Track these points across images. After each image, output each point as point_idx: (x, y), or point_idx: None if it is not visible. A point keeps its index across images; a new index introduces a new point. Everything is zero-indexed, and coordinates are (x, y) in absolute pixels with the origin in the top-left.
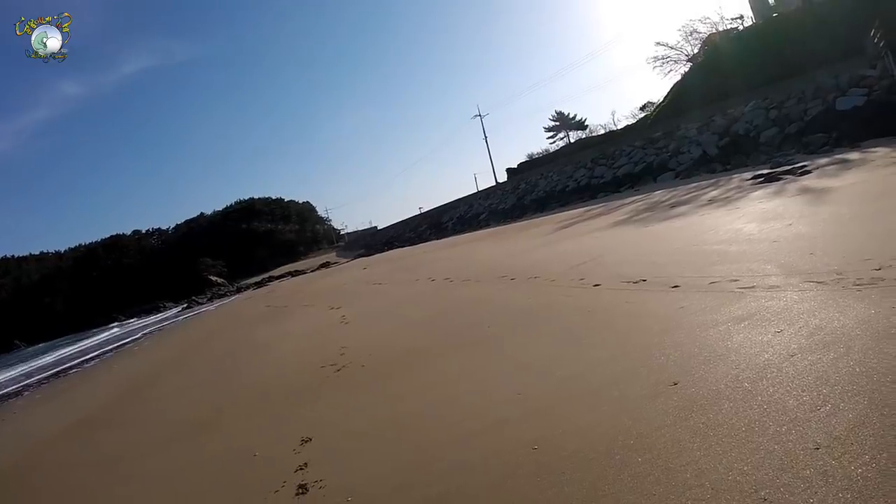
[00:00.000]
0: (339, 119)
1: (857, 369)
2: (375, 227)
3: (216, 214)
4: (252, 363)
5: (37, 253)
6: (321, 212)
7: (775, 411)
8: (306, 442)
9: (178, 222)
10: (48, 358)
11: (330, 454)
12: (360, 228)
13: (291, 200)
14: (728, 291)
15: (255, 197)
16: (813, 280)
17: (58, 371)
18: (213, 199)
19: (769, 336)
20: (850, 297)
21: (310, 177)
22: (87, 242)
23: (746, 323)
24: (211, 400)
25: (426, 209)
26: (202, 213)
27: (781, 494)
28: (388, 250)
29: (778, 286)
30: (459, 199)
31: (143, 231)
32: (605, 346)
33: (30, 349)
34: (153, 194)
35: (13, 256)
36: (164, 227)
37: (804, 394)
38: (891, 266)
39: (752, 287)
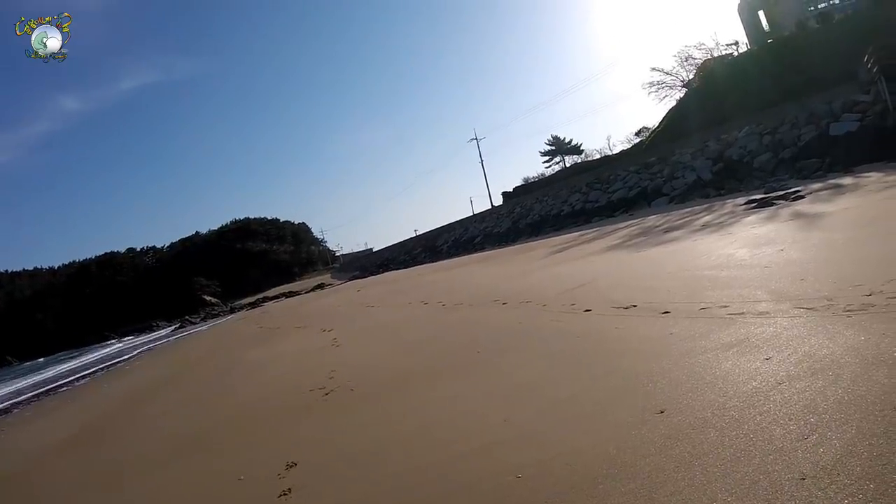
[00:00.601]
0: (336, 140)
1: (846, 397)
2: (371, 248)
3: (211, 234)
4: (242, 384)
5: (30, 268)
6: (316, 233)
7: (762, 440)
8: (291, 467)
9: (174, 240)
10: (40, 376)
11: (314, 479)
12: (355, 250)
13: (287, 221)
14: (718, 317)
15: (251, 217)
16: (803, 306)
17: (49, 388)
18: (209, 218)
19: (758, 363)
20: (840, 323)
21: (306, 197)
22: (81, 259)
23: (735, 350)
24: (199, 420)
25: (421, 231)
26: (197, 232)
27: None
28: (383, 272)
29: (768, 312)
30: (455, 222)
31: (138, 249)
32: (592, 372)
33: (22, 365)
34: (149, 211)
35: (6, 271)
36: (158, 246)
37: (791, 423)
38: (881, 292)
39: (742, 313)
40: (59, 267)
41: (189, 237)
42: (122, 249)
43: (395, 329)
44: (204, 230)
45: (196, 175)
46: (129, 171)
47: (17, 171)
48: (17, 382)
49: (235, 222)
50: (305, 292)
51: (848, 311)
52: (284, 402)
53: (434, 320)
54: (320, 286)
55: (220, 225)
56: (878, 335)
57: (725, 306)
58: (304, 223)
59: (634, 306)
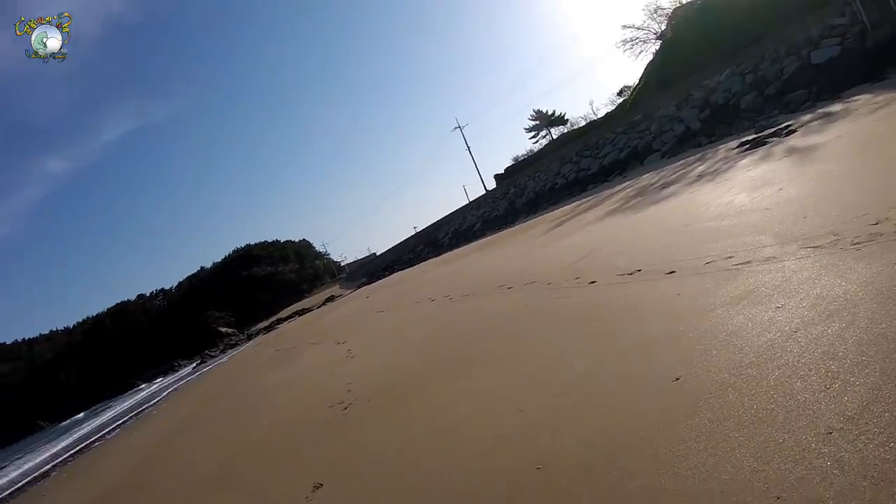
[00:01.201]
0: (321, 153)
1: (866, 338)
2: (374, 253)
3: (216, 266)
4: (263, 410)
5: (46, 332)
6: (318, 247)
7: (783, 396)
8: (318, 488)
9: (181, 279)
10: (69, 439)
11: (340, 498)
12: (359, 257)
13: (288, 241)
14: (724, 270)
15: (252, 243)
16: (809, 245)
17: (84, 446)
18: (212, 251)
19: (770, 313)
20: (850, 258)
21: (302, 214)
22: (94, 314)
23: (745, 302)
24: (224, 455)
25: (421, 228)
26: (202, 267)
27: (796, 490)
28: (388, 275)
29: (774, 257)
30: (452, 213)
31: (148, 294)
32: (603, 348)
33: (53, 428)
34: (151, 255)
35: (24, 340)
36: (166, 287)
37: (811, 373)
38: (888, 219)
39: (748, 262)
40: (74, 326)
41: (195, 274)
42: (133, 297)
43: (406, 331)
44: (208, 264)
45: (194, 210)
46: (128, 219)
47: (19, 239)
48: (55, 445)
49: (237, 251)
50: (317, 307)
51: (856, 244)
52: (305, 422)
53: (442, 316)
54: (330, 299)
55: (223, 256)
56: (891, 265)
57: (730, 257)
58: (304, 240)
59: (639, 271)
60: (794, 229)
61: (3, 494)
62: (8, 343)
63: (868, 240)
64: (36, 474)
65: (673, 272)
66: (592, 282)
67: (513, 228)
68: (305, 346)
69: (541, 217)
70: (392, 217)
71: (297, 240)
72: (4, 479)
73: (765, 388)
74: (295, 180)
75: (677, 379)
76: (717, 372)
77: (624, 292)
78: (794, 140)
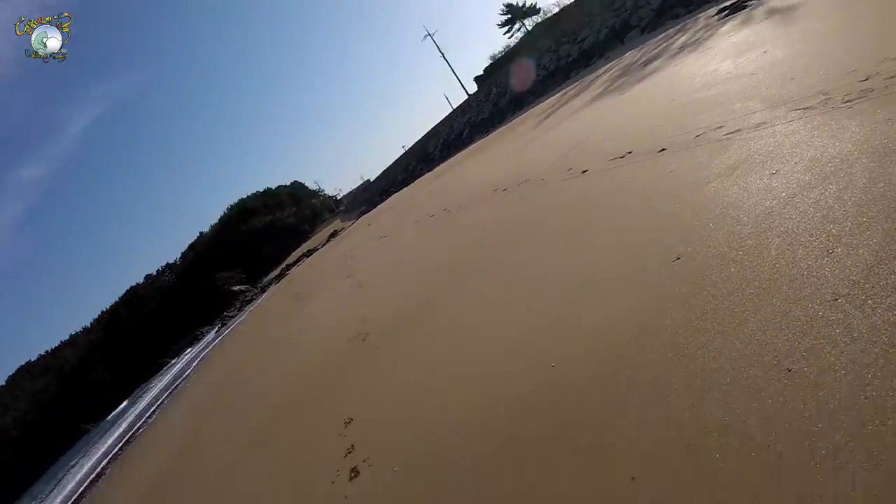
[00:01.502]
0: (300, 93)
1: (865, 198)
2: (368, 180)
3: (213, 229)
4: (287, 361)
5: (66, 338)
6: (311, 186)
7: (786, 265)
8: (349, 423)
9: (183, 250)
10: (114, 434)
11: (371, 429)
12: (354, 187)
13: (280, 186)
14: (715, 141)
15: (244, 197)
16: (799, 108)
17: (128, 438)
18: (208, 215)
19: (765, 180)
20: (842, 117)
21: (289, 159)
22: (108, 306)
23: (739, 172)
24: (259, 413)
25: (409, 145)
26: (201, 233)
27: (805, 360)
28: (385, 199)
29: (764, 122)
30: (439, 124)
31: (155, 272)
32: (602, 240)
33: (98, 427)
34: (150, 234)
35: (47, 352)
36: (171, 261)
37: (813, 238)
38: (878, 74)
39: (738, 130)
40: (91, 324)
41: (196, 241)
42: (141, 279)
43: (410, 253)
44: (206, 228)
45: (178, 179)
46: (115, 205)
47: (11, 256)
48: (103, 444)
49: (231, 208)
50: (322, 245)
51: (847, 101)
52: (328, 361)
53: (443, 231)
54: (333, 234)
55: (219, 217)
56: (884, 122)
57: (720, 127)
58: (296, 181)
59: (630, 153)
60: (783, 92)
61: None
62: (34, 360)
63: (859, 97)
64: (92, 476)
65: (664, 150)
66: (585, 171)
67: (501, 129)
68: (317, 287)
69: (528, 112)
70: (380, 142)
71: (288, 183)
72: (64, 492)
73: (767, 258)
74: (275, 126)
75: (677, 259)
76: (716, 247)
77: (617, 177)
78: (774, 1)
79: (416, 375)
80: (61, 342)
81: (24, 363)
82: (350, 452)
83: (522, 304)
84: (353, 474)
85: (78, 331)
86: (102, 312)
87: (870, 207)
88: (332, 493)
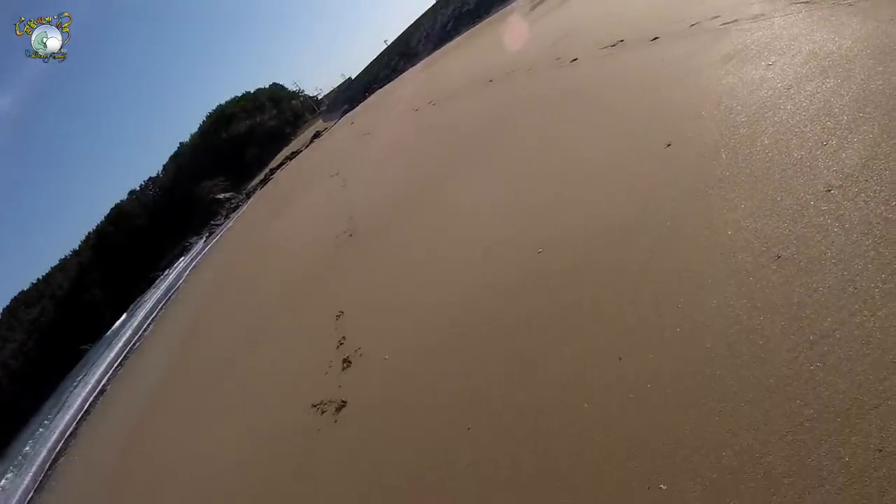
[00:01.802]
0: None
1: (862, 94)
2: (349, 77)
3: (194, 138)
4: (276, 262)
5: (56, 263)
6: (291, 87)
7: (779, 154)
8: (339, 316)
9: (164, 162)
10: (113, 351)
11: (361, 320)
12: (336, 86)
13: (259, 89)
14: (710, 31)
15: (222, 103)
16: (800, 1)
17: (126, 353)
18: (187, 124)
19: (761, 71)
20: (843, 13)
21: (267, 60)
22: (94, 227)
23: (735, 61)
24: (255, 314)
25: (391, 40)
26: (181, 143)
27: (796, 248)
28: (368, 96)
29: (762, 14)
30: (422, 16)
31: (138, 188)
32: (592, 128)
33: (96, 346)
34: (130, 150)
35: (39, 279)
36: (154, 175)
37: (807, 129)
38: None
39: (735, 21)
40: (79, 246)
41: (177, 152)
42: (125, 196)
43: (394, 148)
44: (185, 138)
45: (155, 88)
46: (91, 123)
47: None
48: (103, 361)
49: (210, 115)
50: (305, 147)
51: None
52: (317, 259)
53: (429, 124)
54: (316, 135)
55: (198, 125)
56: (887, 21)
57: (716, 17)
58: (274, 83)
59: (622, 41)
60: None
61: (78, 417)
62: (26, 289)
63: None
64: (95, 393)
65: (657, 38)
66: (574, 59)
67: (488, 20)
68: (302, 188)
69: (517, 2)
70: (361, 39)
71: (267, 86)
72: (71, 411)
73: (759, 147)
74: (251, 25)
75: (668, 145)
76: (708, 134)
77: (608, 65)
78: None
79: (403, 267)
80: (51, 268)
81: (16, 294)
82: (342, 344)
83: (510, 192)
84: (345, 364)
85: (67, 254)
86: (89, 233)
87: (867, 103)
88: (326, 384)
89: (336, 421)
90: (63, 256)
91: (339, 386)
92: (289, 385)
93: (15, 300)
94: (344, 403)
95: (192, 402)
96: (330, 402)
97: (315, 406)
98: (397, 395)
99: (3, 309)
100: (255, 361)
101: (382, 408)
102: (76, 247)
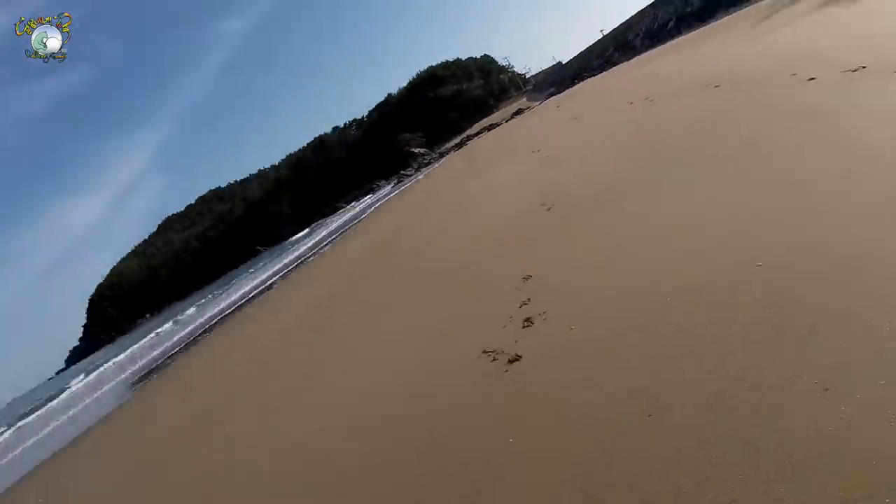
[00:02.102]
0: None
1: None
2: (559, 62)
3: (401, 92)
4: (464, 218)
5: (255, 172)
6: (500, 61)
7: None
8: (527, 279)
9: (370, 108)
10: (287, 258)
11: (550, 287)
12: (544, 67)
13: (469, 58)
14: None
15: (434, 64)
16: None
17: (299, 263)
18: (397, 78)
19: None
20: None
21: (478, 33)
22: (297, 149)
23: None
24: (432, 258)
25: (608, 31)
26: (389, 94)
27: None
28: (577, 83)
29: None
30: (642, 11)
31: (342, 125)
32: (824, 152)
33: (271, 251)
34: (342, 90)
35: (236, 181)
36: (358, 117)
37: None
38: None
39: None
40: (279, 163)
41: (384, 101)
42: (329, 130)
43: (604, 136)
44: (394, 91)
45: (373, 39)
46: (311, 58)
47: (214, 101)
48: (276, 263)
49: (420, 75)
50: (505, 121)
51: None
52: (508, 225)
53: (642, 119)
54: (519, 112)
55: (408, 81)
56: None
57: None
58: (486, 55)
59: (863, 67)
60: None
61: (242, 301)
62: (223, 186)
63: None
64: (268, 283)
65: None
66: (811, 78)
67: (712, 24)
68: (499, 158)
69: (743, 11)
70: (577, 25)
71: (478, 56)
72: (238, 293)
73: None
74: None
75: None
76: None
77: (848, 89)
78: None
79: (605, 250)
80: (250, 174)
81: (213, 187)
82: (525, 304)
83: (726, 200)
84: (526, 323)
85: (266, 167)
86: (290, 154)
87: None
88: (502, 336)
89: (507, 371)
90: (263, 168)
91: (516, 341)
92: (463, 328)
93: (211, 191)
94: (518, 357)
95: (353, 328)
96: (503, 352)
97: (487, 353)
98: (576, 365)
99: (198, 198)
100: (434, 297)
101: (557, 372)
102: (276, 162)
